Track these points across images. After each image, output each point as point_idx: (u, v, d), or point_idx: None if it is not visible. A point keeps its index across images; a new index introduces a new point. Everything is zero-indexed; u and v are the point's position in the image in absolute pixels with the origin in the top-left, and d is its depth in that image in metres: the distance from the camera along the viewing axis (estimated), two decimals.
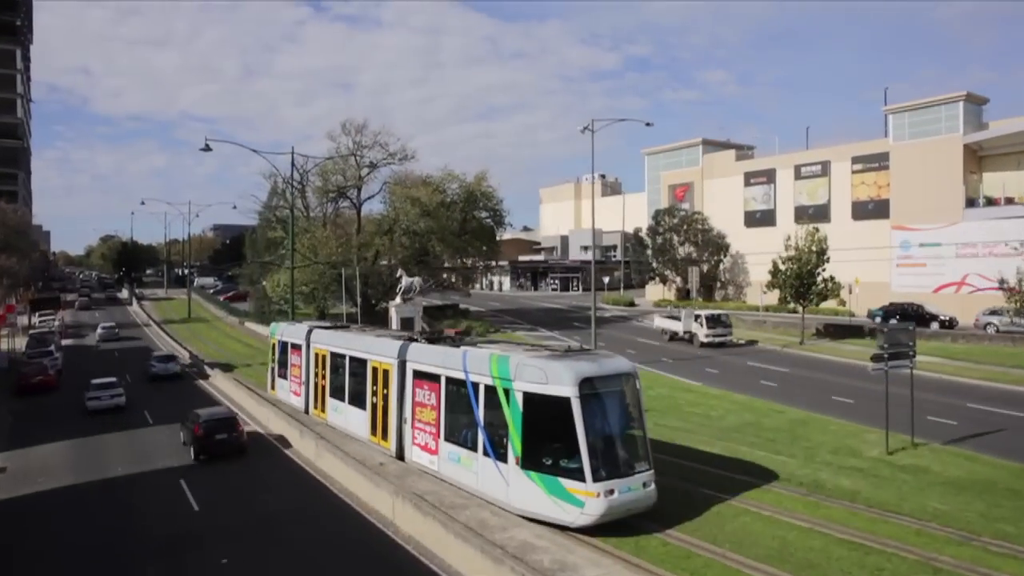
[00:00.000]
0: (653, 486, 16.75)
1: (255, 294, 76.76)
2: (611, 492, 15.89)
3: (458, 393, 19.46)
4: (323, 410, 28.76)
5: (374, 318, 57.11)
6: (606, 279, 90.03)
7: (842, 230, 67.81)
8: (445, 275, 62.73)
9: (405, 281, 53.94)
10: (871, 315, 56.00)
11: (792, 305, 52.99)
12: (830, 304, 55.87)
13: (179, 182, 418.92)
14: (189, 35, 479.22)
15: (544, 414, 16.67)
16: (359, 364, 25.42)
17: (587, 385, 16.40)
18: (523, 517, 16.70)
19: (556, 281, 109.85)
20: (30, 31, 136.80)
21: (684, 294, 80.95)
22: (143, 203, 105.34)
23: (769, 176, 74.98)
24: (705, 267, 75.35)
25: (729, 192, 78.35)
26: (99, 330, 65.98)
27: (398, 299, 53.81)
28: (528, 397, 16.84)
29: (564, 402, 16.14)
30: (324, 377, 28.72)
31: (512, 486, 17.15)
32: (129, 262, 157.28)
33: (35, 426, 32.06)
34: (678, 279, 77.65)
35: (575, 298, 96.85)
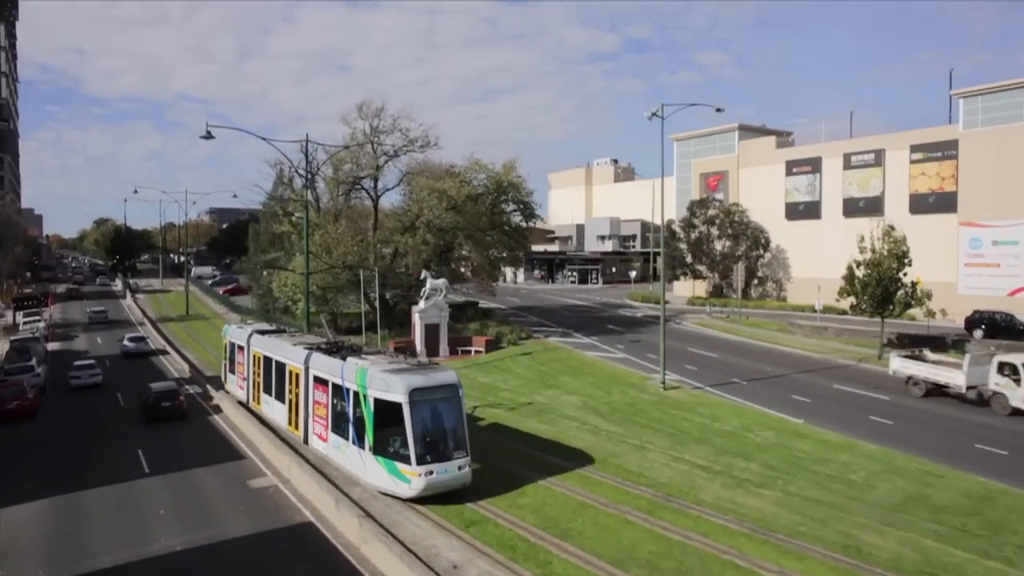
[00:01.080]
0: (468, 469, 21.82)
1: (258, 290, 70.60)
2: (431, 473, 20.99)
3: (339, 395, 24.49)
4: (259, 403, 33.03)
5: (392, 320, 51.06)
6: (629, 273, 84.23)
7: (898, 225, 62.00)
8: (469, 272, 56.51)
9: (430, 284, 47.98)
10: (971, 324, 49.19)
11: (844, 304, 46.59)
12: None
13: (174, 164, 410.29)
14: (184, 15, 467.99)
15: (386, 414, 21.77)
16: (281, 367, 30.10)
17: (416, 393, 21.48)
18: (378, 491, 22.04)
19: (574, 273, 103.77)
20: (15, 7, 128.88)
21: (717, 291, 75.22)
22: (136, 191, 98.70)
23: (814, 165, 68.91)
24: (743, 263, 69.47)
25: (768, 182, 72.32)
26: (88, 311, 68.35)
27: (422, 303, 47.86)
28: (376, 401, 22.08)
29: (398, 405, 21.33)
30: (259, 376, 32.92)
31: (367, 467, 22.55)
32: (123, 249, 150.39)
33: (1, 474, 26.07)
34: (713, 275, 71.73)
35: (596, 292, 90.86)
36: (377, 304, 46.85)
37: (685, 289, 78.47)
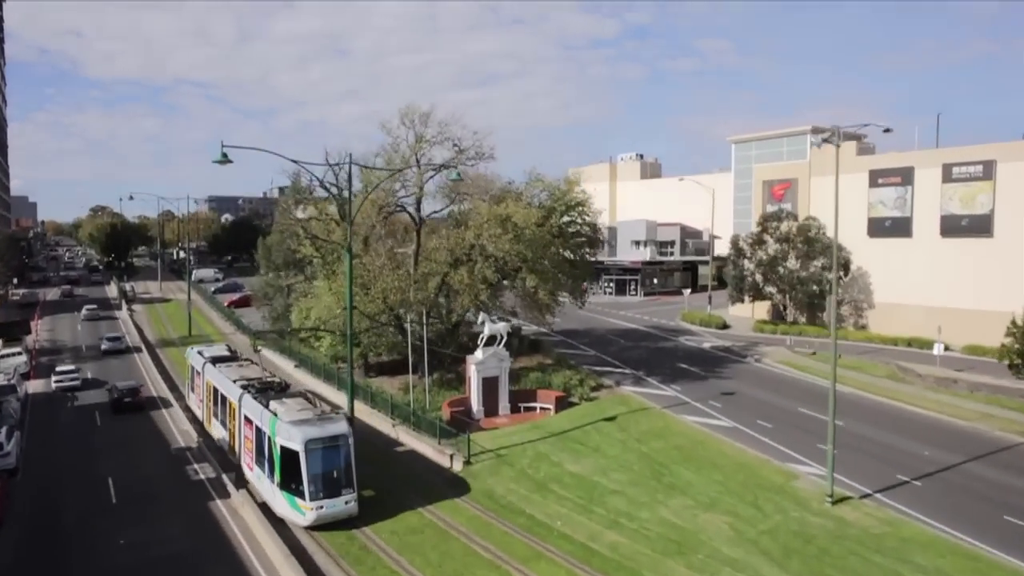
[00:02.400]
0: (354, 503, 26.33)
1: (271, 313, 61.75)
2: (322, 507, 25.63)
3: (260, 436, 28.46)
4: (210, 425, 36.92)
5: (435, 362, 42.23)
6: (684, 290, 75.54)
7: (1012, 249, 53.62)
8: (521, 302, 47.61)
9: (488, 329, 39.29)
10: None
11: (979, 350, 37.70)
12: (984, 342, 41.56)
13: (172, 147, 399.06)
14: None
15: (288, 458, 26.09)
16: (224, 399, 33.76)
17: (311, 443, 25.90)
18: (283, 517, 26.55)
19: (611, 284, 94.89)
20: None
21: (777, 313, 66.68)
22: (131, 198, 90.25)
23: (905, 176, 60.09)
24: (815, 285, 60.79)
25: (847, 193, 63.35)
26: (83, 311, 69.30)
27: (479, 353, 39.19)
28: (282, 447, 26.29)
29: (296, 453, 25.80)
30: (211, 401, 36.53)
31: (276, 498, 26.93)
32: (119, 246, 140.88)
33: None
34: (784, 299, 62.99)
35: (639, 308, 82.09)
36: (424, 344, 38.09)
37: (741, 310, 69.94)
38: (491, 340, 39.66)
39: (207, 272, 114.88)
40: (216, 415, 35.60)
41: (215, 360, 38.68)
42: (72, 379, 48.66)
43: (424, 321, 38.54)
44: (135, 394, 42.83)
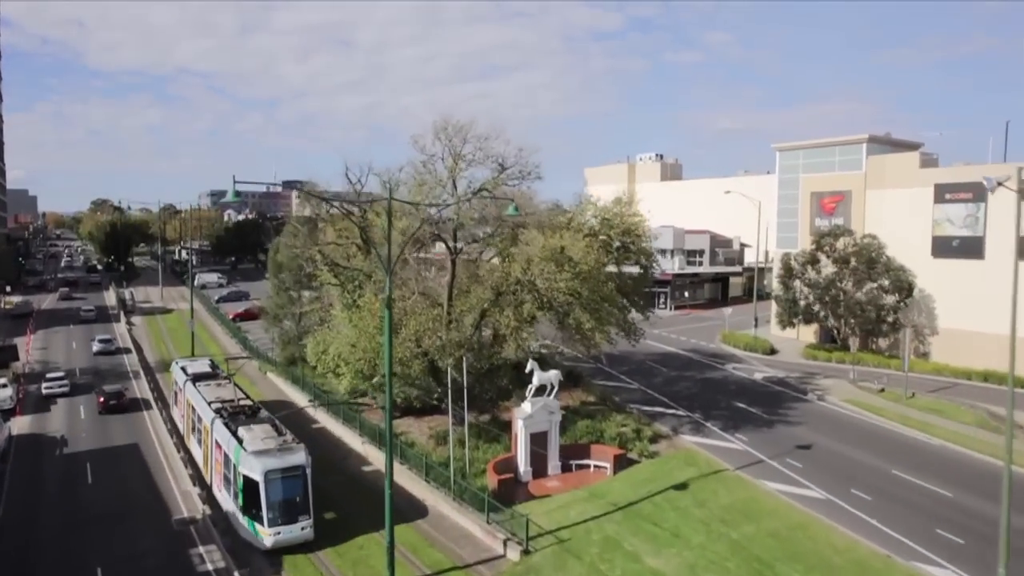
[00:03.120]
0: (310, 528, 27.71)
1: (280, 335, 56.45)
2: (279, 532, 27.18)
3: (227, 461, 29.82)
4: (189, 440, 39.02)
5: (473, 404, 36.93)
6: (725, 310, 70.03)
7: None
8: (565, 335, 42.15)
9: (537, 378, 33.99)
10: None
11: None
12: None
13: (174, 138, 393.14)
14: None
15: (249, 486, 27.60)
16: (200, 419, 35.54)
17: (270, 473, 27.40)
18: (245, 539, 28.24)
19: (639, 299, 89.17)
20: None
21: (827, 336, 61.39)
22: (130, 207, 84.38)
23: (976, 192, 54.66)
24: (871, 309, 55.35)
25: (908, 208, 58.09)
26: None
27: (527, 406, 33.91)
28: (244, 476, 27.82)
29: (256, 483, 27.30)
30: (190, 419, 38.78)
31: (239, 521, 28.52)
32: (118, 247, 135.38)
33: None
34: (841, 325, 57.48)
35: (673, 325, 76.70)
36: (465, 394, 32.75)
37: (787, 331, 64.45)
38: (540, 390, 34.44)
39: (210, 277, 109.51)
40: (194, 431, 37.51)
41: (196, 378, 40.41)
42: (61, 385, 51.01)
43: (463, 368, 33.21)
44: (120, 397, 47.32)
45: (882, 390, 48.67)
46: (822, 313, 57.07)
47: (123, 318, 78.97)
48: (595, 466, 35.36)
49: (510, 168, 37.08)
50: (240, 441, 29.09)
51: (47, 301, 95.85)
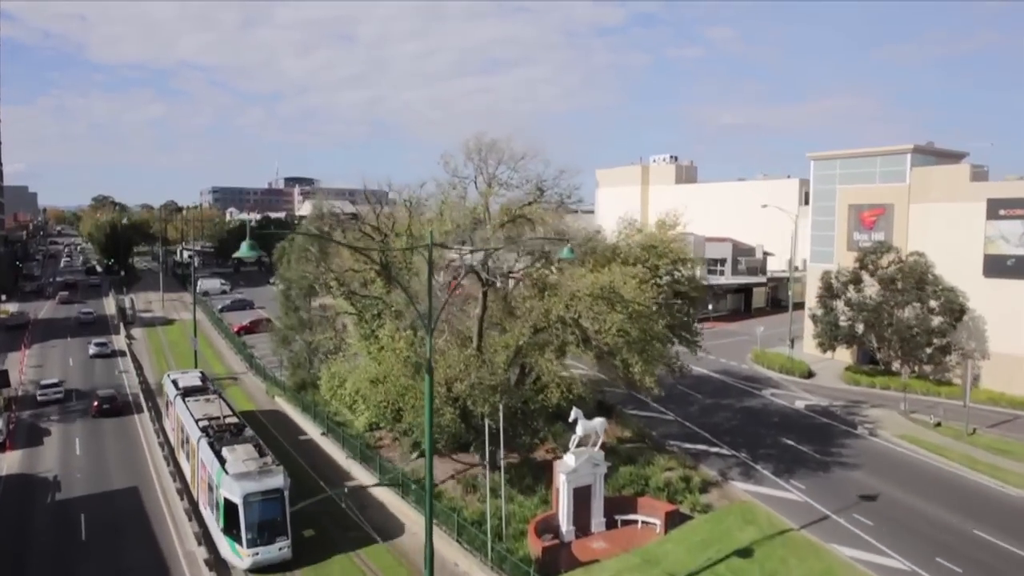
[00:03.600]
0: (287, 549, 28.60)
1: (289, 357, 52.88)
2: (257, 553, 28.08)
3: (211, 481, 30.67)
4: (179, 454, 39.34)
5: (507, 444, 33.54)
6: (756, 330, 66.18)
7: None
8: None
9: (581, 428, 30.47)
10: None
11: None
12: None
13: (176, 132, 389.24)
14: None
15: (230, 508, 28.51)
16: (188, 437, 36.26)
17: (250, 496, 28.35)
18: (225, 559, 29.09)
19: None
20: None
21: (866, 357, 57.85)
22: (129, 219, 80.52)
23: None
24: (921, 333, 51.66)
25: (957, 224, 54.44)
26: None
27: (570, 458, 30.35)
28: (225, 498, 28.73)
29: (236, 505, 28.21)
30: (180, 433, 39.05)
31: (220, 542, 29.46)
32: (118, 249, 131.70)
33: None
34: (885, 350, 53.76)
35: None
36: (501, 435, 29.21)
37: (818, 347, 60.69)
38: (583, 440, 30.93)
39: (213, 283, 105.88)
40: (183, 445, 38.11)
41: (186, 392, 41.22)
42: (56, 392, 52.48)
43: (498, 414, 29.65)
44: (113, 400, 49.75)
45: (938, 424, 45.12)
46: (866, 336, 53.42)
47: (122, 330, 75.43)
48: (643, 522, 31.87)
49: (548, 190, 33.54)
50: (223, 463, 30.30)
51: (44, 309, 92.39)
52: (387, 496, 34.35)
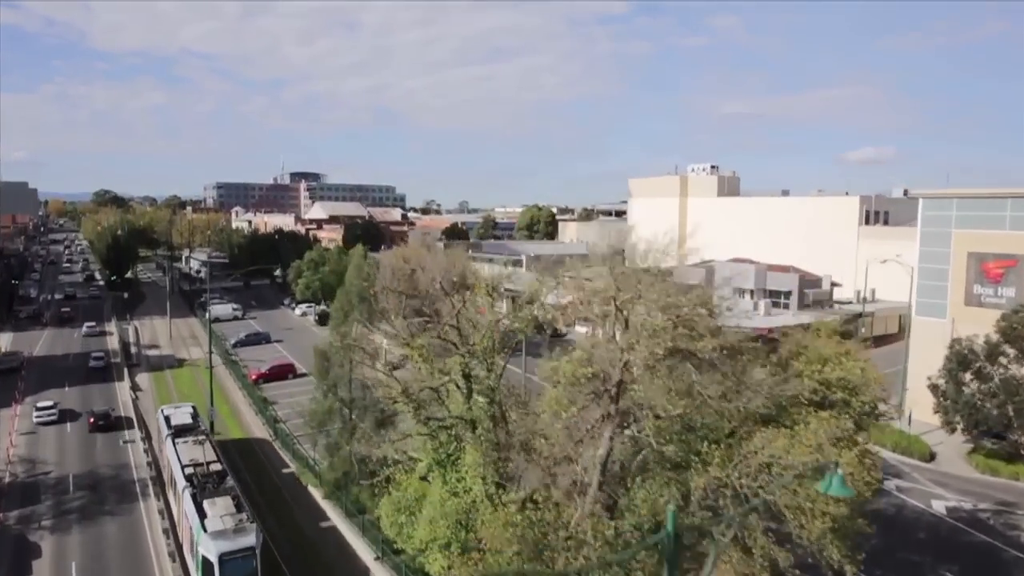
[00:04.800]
0: None
1: (327, 448, 44.17)
2: None
3: (191, 533, 32.87)
4: (169, 492, 41.49)
5: None
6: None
7: None
8: None
9: None
10: None
11: None
12: None
13: (178, 120, 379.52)
14: None
15: (206, 564, 30.86)
16: (175, 480, 38.15)
17: (225, 555, 30.53)
18: None
19: None
20: None
21: (984, 433, 49.25)
22: (129, 226, 71.76)
23: None
24: None
25: None
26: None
27: None
28: (202, 556, 31.05)
29: (212, 563, 30.56)
30: (170, 471, 40.71)
31: None
32: (120, 263, 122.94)
33: None
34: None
35: None
36: None
37: (927, 414, 51.98)
38: None
39: (224, 309, 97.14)
40: (172, 486, 39.54)
41: (177, 432, 43.39)
42: (50, 415, 55.43)
43: None
44: (108, 417, 54.25)
45: None
46: (1014, 423, 44.78)
47: (127, 376, 66.83)
48: None
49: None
50: (203, 517, 32.54)
51: (42, 341, 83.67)
52: None
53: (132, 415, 56.95)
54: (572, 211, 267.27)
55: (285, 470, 48.56)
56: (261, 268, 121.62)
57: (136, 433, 53.23)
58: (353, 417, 43.04)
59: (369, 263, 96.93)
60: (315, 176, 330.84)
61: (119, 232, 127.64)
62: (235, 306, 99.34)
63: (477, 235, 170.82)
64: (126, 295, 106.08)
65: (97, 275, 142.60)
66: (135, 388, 63.93)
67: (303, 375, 68.70)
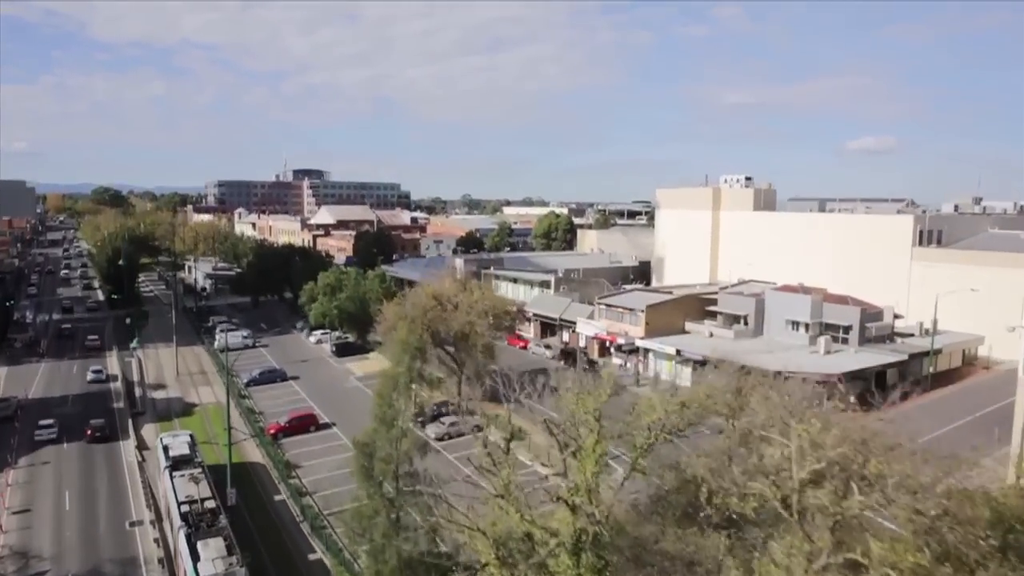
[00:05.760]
0: None
1: (369, 547, 37.76)
2: None
3: (185, 572, 34.27)
4: (164, 523, 43.43)
5: None
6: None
7: None
8: None
9: None
10: None
11: None
12: None
13: (178, 111, 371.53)
14: None
15: None
16: (170, 515, 40.72)
17: None
18: None
19: None
20: None
21: None
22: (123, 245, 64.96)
23: None
24: None
25: None
26: None
27: None
28: None
29: None
30: (166, 507, 43.21)
31: None
32: (121, 278, 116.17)
33: None
34: None
35: None
36: None
37: None
38: None
39: (234, 338, 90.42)
40: (167, 518, 42.40)
41: (174, 465, 44.90)
42: (51, 432, 58.57)
43: None
44: (104, 429, 58.94)
45: None
46: None
47: (131, 430, 60.27)
48: None
49: None
50: (196, 561, 34.08)
51: (38, 379, 77.01)
52: None
53: (139, 483, 50.54)
54: (583, 211, 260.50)
55: (312, 556, 42.43)
56: (271, 288, 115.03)
57: (144, 511, 46.79)
58: (400, 516, 36.70)
59: (390, 283, 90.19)
60: (318, 173, 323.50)
61: (120, 247, 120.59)
62: (245, 333, 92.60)
63: (492, 242, 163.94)
64: (128, 319, 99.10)
65: (96, 285, 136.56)
66: (141, 447, 57.27)
67: (325, 425, 62.39)
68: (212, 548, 34.94)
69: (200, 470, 44.60)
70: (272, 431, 59.85)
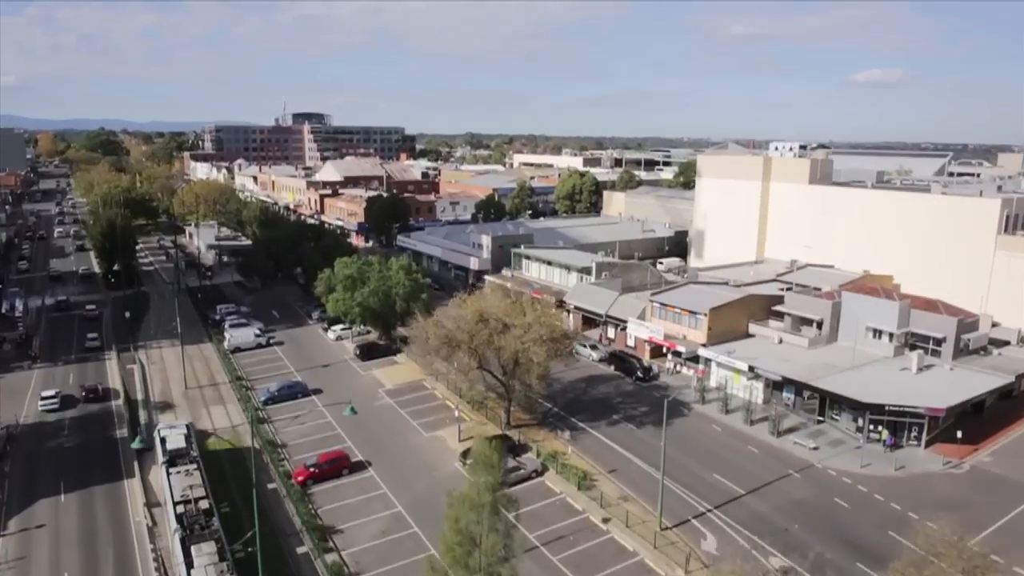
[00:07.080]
0: None
1: None
2: None
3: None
4: (162, 523, 43.81)
5: None
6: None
7: None
8: None
9: None
10: None
11: None
12: None
13: (171, 43, 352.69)
14: None
15: None
16: (166, 513, 42.41)
17: None
18: None
19: (866, 427, 61.18)
20: None
21: None
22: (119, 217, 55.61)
23: None
24: None
25: None
26: None
27: None
28: None
29: None
30: (163, 506, 44.17)
31: None
32: (117, 254, 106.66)
33: None
34: None
35: (960, 502, 49.30)
36: None
37: None
38: None
39: (246, 335, 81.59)
40: (165, 520, 42.66)
41: (171, 460, 46.82)
42: (52, 404, 62.11)
43: None
44: (96, 391, 64.11)
45: None
46: None
47: (136, 471, 52.19)
48: None
49: None
50: (189, 567, 34.99)
51: (30, 391, 68.40)
52: None
53: (149, 555, 42.65)
54: (598, 160, 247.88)
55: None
56: (281, 270, 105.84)
57: None
58: None
59: (416, 275, 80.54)
60: (319, 117, 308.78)
61: (115, 219, 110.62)
62: (257, 329, 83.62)
63: (512, 204, 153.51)
64: (128, 314, 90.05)
65: (89, 247, 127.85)
66: (150, 504, 49.02)
67: (358, 465, 54.34)
68: (204, 553, 36.22)
69: (195, 465, 46.41)
70: (300, 479, 51.69)
